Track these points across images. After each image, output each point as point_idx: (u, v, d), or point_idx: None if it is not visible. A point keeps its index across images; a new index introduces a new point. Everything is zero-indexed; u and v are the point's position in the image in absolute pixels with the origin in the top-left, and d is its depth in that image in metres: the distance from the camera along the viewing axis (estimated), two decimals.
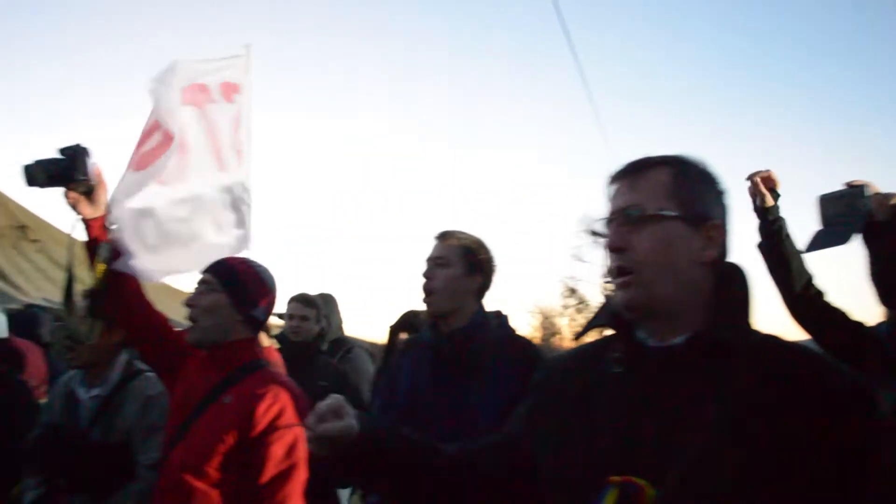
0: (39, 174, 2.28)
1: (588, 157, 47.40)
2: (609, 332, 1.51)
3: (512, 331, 2.90)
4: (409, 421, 2.71)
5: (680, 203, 1.39)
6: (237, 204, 3.70)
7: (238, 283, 2.51)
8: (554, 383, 1.55)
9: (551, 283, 49.67)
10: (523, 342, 2.83)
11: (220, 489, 2.30)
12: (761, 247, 2.84)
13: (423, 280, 2.73)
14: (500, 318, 2.85)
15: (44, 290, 8.30)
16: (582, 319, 36.50)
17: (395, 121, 49.00)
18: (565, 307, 36.04)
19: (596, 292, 34.36)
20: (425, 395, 2.69)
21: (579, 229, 32.32)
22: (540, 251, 52.16)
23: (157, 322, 2.56)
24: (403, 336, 4.88)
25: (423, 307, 2.78)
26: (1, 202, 10.15)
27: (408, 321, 4.86)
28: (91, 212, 2.39)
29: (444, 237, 2.77)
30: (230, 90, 4.09)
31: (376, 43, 47.97)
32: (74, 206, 2.39)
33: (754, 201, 2.85)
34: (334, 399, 1.45)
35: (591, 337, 1.65)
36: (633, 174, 1.46)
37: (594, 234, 1.47)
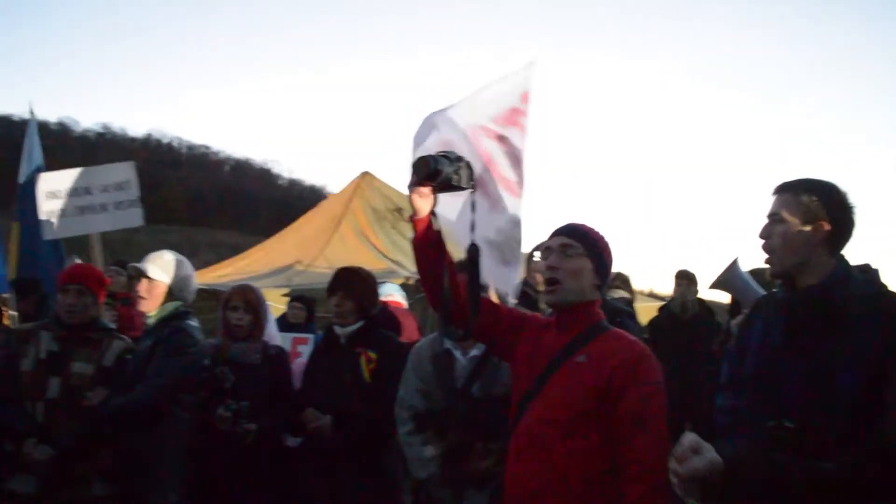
0: (435, 172, 2.36)
1: None
2: None
3: (883, 287, 2.57)
4: (760, 387, 2.55)
5: None
6: (509, 242, 3.53)
7: (599, 250, 2.57)
8: None
9: None
10: None
11: (578, 443, 2.39)
12: None
13: (761, 241, 2.54)
14: (867, 273, 2.56)
15: None
16: None
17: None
18: None
19: None
20: (778, 359, 2.51)
21: None
22: None
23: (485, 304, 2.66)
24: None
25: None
26: (378, 187, 11.57)
27: None
28: (426, 209, 2.49)
29: (780, 191, 2.49)
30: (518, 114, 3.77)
31: None
32: (417, 201, 2.47)
33: None
34: (689, 437, 1.41)
35: None
36: None
37: None
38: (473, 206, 2.49)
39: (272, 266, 10.51)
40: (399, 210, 10.82)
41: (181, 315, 3.85)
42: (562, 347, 2.53)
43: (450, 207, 3.35)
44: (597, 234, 2.63)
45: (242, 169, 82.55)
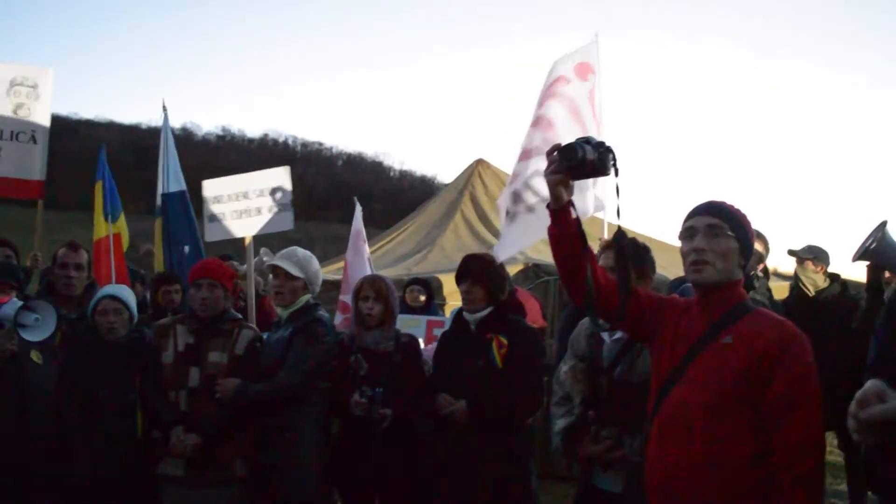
0: (583, 159, 2.31)
1: None
2: None
3: None
4: None
5: None
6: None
7: (744, 229, 2.47)
8: None
9: None
10: None
11: (725, 426, 2.30)
12: None
13: None
14: None
15: (542, 253, 9.09)
16: None
17: None
18: None
19: None
20: None
21: None
22: None
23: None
24: (888, 275, 4.33)
25: None
26: (493, 174, 11.53)
27: None
28: (566, 197, 2.42)
29: None
30: (585, 70, 5.27)
31: None
32: (557, 189, 2.40)
33: None
34: (874, 384, 1.36)
35: None
36: None
37: None
38: (618, 192, 2.40)
39: (391, 256, 10.64)
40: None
41: (313, 307, 4.08)
42: (706, 329, 2.43)
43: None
44: (740, 212, 2.51)
45: (355, 163, 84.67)
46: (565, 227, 2.44)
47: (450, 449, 3.75)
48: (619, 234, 2.40)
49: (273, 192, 5.44)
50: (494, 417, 3.65)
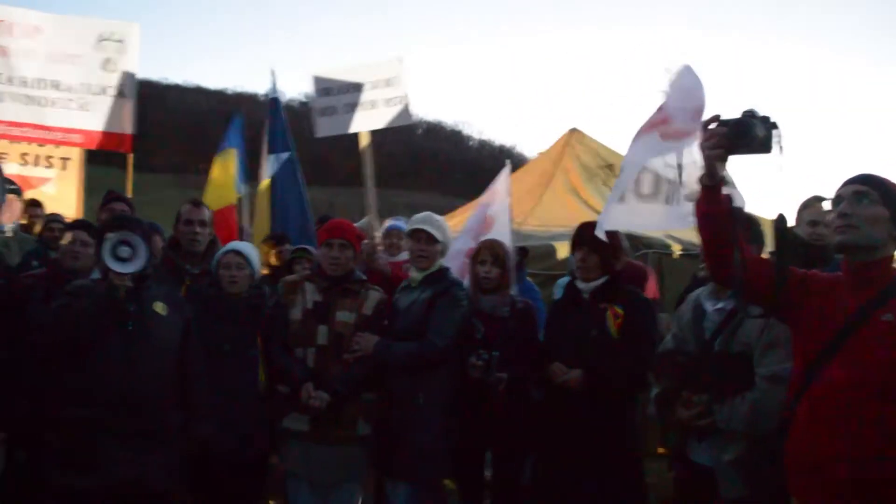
0: (753, 135, 2.28)
1: None
2: None
3: None
4: None
5: None
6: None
7: None
8: None
9: None
10: None
11: (888, 407, 2.21)
12: None
13: None
14: None
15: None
16: None
17: None
18: None
19: None
20: None
21: None
22: None
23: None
24: None
25: None
26: (589, 144, 11.33)
27: None
28: (720, 174, 2.38)
29: None
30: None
31: None
32: (716, 165, 2.38)
33: None
34: None
35: None
36: None
37: None
38: (782, 170, 2.34)
39: None
40: (610, 167, 10.54)
41: (446, 270, 4.07)
42: (862, 304, 2.34)
43: None
44: (893, 183, 2.40)
45: (435, 131, 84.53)
46: (716, 205, 2.40)
47: (560, 418, 3.73)
48: (781, 218, 2.34)
49: (387, 83, 4.98)
50: (609, 388, 3.62)
